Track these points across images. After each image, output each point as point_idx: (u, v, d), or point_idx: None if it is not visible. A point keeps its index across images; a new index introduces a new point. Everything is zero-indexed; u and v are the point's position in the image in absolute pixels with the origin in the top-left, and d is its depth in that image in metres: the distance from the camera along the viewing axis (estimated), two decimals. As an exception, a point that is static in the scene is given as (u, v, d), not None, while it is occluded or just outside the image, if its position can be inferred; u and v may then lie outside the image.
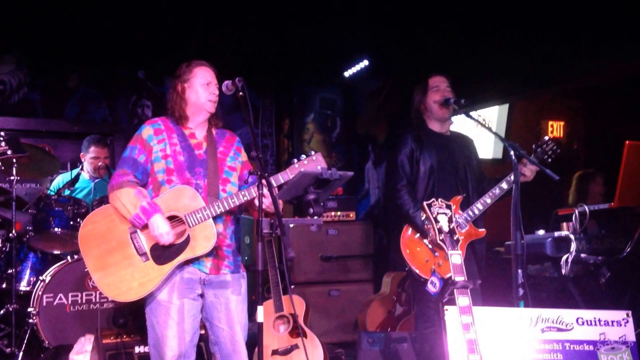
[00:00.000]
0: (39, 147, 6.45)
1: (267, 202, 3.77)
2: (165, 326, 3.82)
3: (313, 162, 3.83)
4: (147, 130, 3.99)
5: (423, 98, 4.92)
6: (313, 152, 3.87)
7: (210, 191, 3.93)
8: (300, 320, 5.54)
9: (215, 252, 3.91)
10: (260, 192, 3.55)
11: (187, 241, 3.80)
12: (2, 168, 5.42)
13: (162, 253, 3.79)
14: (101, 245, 3.84)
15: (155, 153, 3.94)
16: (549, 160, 4.54)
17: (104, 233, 3.86)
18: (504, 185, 4.54)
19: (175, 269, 3.82)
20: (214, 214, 3.81)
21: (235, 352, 3.97)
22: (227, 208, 3.84)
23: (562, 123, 10.20)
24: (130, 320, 5.60)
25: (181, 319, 3.84)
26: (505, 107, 9.57)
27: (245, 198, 3.82)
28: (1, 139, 5.22)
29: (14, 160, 5.47)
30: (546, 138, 4.63)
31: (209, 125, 4.12)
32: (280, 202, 3.82)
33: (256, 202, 3.71)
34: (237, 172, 4.11)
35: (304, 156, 3.85)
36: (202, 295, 3.97)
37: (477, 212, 4.57)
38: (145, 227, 3.80)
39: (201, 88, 3.98)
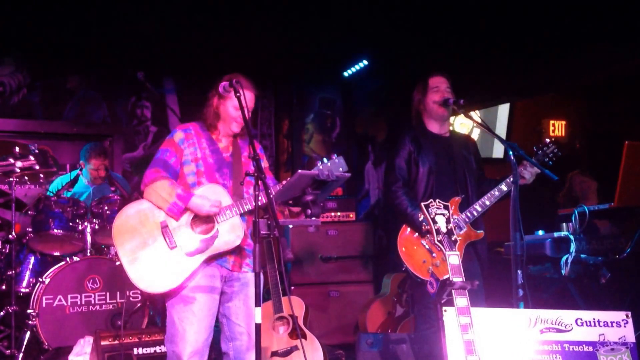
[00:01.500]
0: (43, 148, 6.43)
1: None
2: (187, 322, 3.94)
3: (335, 165, 3.86)
4: (178, 135, 4.17)
5: (423, 98, 4.90)
6: (335, 155, 3.92)
7: (235, 191, 4.09)
8: (300, 322, 5.54)
9: (238, 250, 4.06)
10: (257, 193, 3.55)
11: (215, 236, 3.94)
12: (28, 181, 5.45)
13: (191, 247, 3.92)
14: (134, 238, 3.96)
15: (185, 156, 4.13)
16: (550, 162, 4.51)
17: (136, 226, 3.99)
18: (503, 187, 4.52)
19: (200, 266, 3.94)
20: (242, 212, 3.97)
21: (250, 348, 4.09)
22: (254, 206, 3.90)
23: (564, 122, 10.18)
24: (129, 322, 5.62)
25: (203, 315, 3.97)
26: (507, 106, 9.56)
27: (271, 196, 3.85)
28: (30, 152, 5.26)
29: (41, 175, 5.52)
30: (547, 140, 4.60)
31: (234, 134, 4.28)
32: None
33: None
34: None
35: (325, 159, 3.88)
36: (221, 293, 4.10)
37: (475, 213, 4.56)
38: (181, 215, 3.96)
39: (232, 109, 4.12)
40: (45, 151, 5.41)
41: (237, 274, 4.10)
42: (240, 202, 3.97)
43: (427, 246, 4.52)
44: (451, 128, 5.07)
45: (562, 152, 4.53)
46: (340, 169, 3.82)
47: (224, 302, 4.12)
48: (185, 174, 4.10)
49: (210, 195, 3.97)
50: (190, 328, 3.93)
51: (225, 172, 4.14)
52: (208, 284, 4.00)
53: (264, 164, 4.27)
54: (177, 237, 3.95)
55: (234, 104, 4.05)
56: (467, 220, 4.55)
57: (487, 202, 4.56)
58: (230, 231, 3.96)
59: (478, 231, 4.61)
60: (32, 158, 5.23)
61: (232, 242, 3.96)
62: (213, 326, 4.07)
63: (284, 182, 3.98)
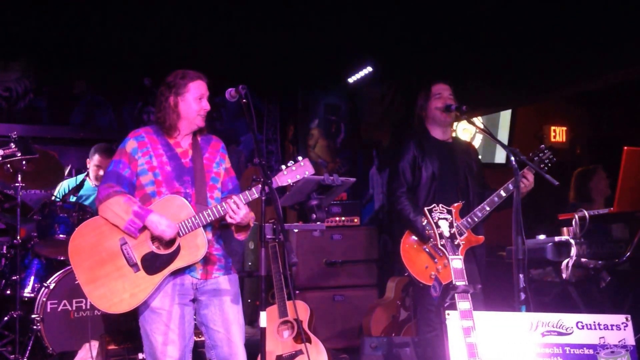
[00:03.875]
0: (49, 153, 6.39)
1: (237, 217, 3.79)
2: (160, 333, 3.82)
3: (301, 168, 3.80)
4: (131, 144, 3.97)
5: (425, 105, 4.96)
6: (300, 158, 3.84)
7: (198, 199, 3.92)
8: (305, 326, 5.54)
9: (205, 258, 3.89)
10: (263, 197, 3.54)
11: (177, 250, 3.80)
12: (11, 170, 5.42)
13: (152, 263, 3.79)
14: (92, 257, 3.81)
15: (140, 166, 3.92)
16: (545, 168, 4.55)
17: (94, 245, 3.83)
18: (503, 193, 4.55)
19: (167, 277, 3.81)
20: (204, 223, 3.81)
21: (232, 354, 3.94)
22: (217, 216, 3.82)
23: (564, 128, 10.20)
24: (135, 326, 5.63)
25: (175, 325, 3.83)
26: (509, 112, 9.59)
27: (234, 205, 3.78)
28: (11, 140, 5.25)
29: (24, 162, 5.47)
30: (543, 146, 4.65)
31: (194, 133, 4.10)
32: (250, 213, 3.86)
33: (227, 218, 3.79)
34: (220, 179, 4.11)
35: (291, 162, 3.83)
36: (194, 300, 3.96)
37: (476, 219, 4.59)
38: (139, 232, 3.79)
39: (194, 102, 3.96)
40: (25, 138, 5.38)
41: (206, 281, 3.94)
42: (203, 213, 3.79)
43: (429, 251, 4.56)
44: (454, 134, 5.12)
45: (559, 158, 4.57)
46: (307, 173, 3.77)
47: (199, 310, 3.98)
48: (143, 184, 3.91)
49: (169, 208, 3.81)
50: (165, 339, 3.80)
51: (186, 179, 3.93)
52: (178, 292, 3.86)
53: (226, 164, 4.16)
54: (137, 255, 3.78)
55: (194, 95, 3.94)
56: (468, 225, 4.59)
57: (487, 208, 4.59)
58: (192, 247, 3.80)
59: (478, 236, 4.66)
60: (13, 146, 5.22)
61: (195, 256, 3.80)
62: (192, 333, 3.95)
63: (276, 184, 3.81)
